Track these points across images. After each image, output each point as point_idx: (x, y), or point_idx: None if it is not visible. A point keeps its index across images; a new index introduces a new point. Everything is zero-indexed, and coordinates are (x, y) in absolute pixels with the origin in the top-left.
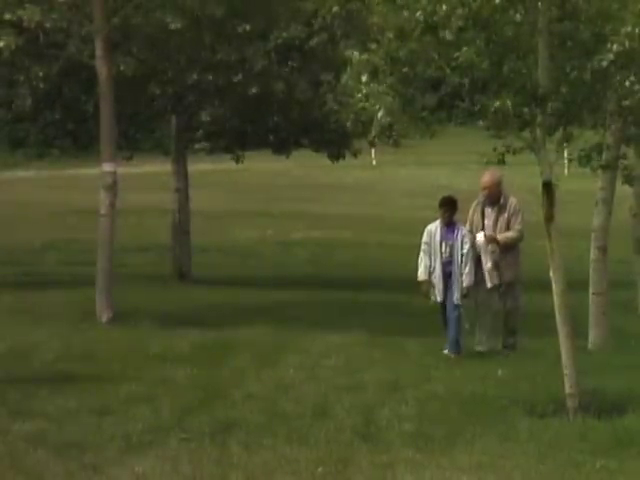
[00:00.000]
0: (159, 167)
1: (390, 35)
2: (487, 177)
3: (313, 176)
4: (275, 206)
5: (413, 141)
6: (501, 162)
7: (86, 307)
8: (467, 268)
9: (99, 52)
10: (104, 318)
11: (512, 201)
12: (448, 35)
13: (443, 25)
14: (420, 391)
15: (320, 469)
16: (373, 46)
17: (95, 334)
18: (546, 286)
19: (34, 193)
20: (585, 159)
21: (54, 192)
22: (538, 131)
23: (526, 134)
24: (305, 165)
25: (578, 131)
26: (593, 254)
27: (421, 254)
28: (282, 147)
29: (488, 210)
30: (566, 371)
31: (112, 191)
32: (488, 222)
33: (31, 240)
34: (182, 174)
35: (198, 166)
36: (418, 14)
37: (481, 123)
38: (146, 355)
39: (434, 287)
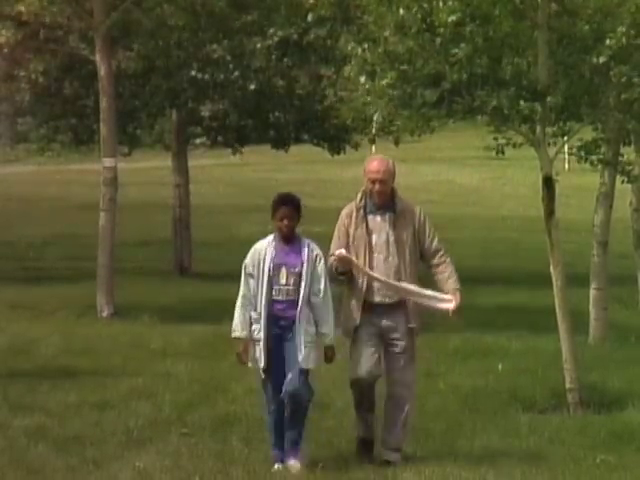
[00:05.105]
0: (159, 162)
1: (386, 33)
2: (378, 164)
3: (313, 171)
4: None
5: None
6: (501, 153)
7: (87, 302)
8: (330, 316)
9: (99, 47)
10: (105, 313)
11: (412, 205)
12: (444, 32)
13: (443, 23)
14: (420, 386)
15: (321, 465)
16: (370, 44)
17: (96, 329)
18: (546, 281)
19: (35, 188)
20: (585, 156)
21: (55, 187)
22: (538, 126)
23: (526, 129)
24: (305, 160)
25: (577, 126)
26: (594, 249)
27: (241, 291)
28: (282, 142)
29: (376, 219)
30: (566, 366)
31: (112, 186)
32: (379, 239)
33: (32, 235)
34: (182, 169)
35: (198, 161)
36: (414, 10)
37: (481, 118)
38: (147, 350)
39: (257, 345)
